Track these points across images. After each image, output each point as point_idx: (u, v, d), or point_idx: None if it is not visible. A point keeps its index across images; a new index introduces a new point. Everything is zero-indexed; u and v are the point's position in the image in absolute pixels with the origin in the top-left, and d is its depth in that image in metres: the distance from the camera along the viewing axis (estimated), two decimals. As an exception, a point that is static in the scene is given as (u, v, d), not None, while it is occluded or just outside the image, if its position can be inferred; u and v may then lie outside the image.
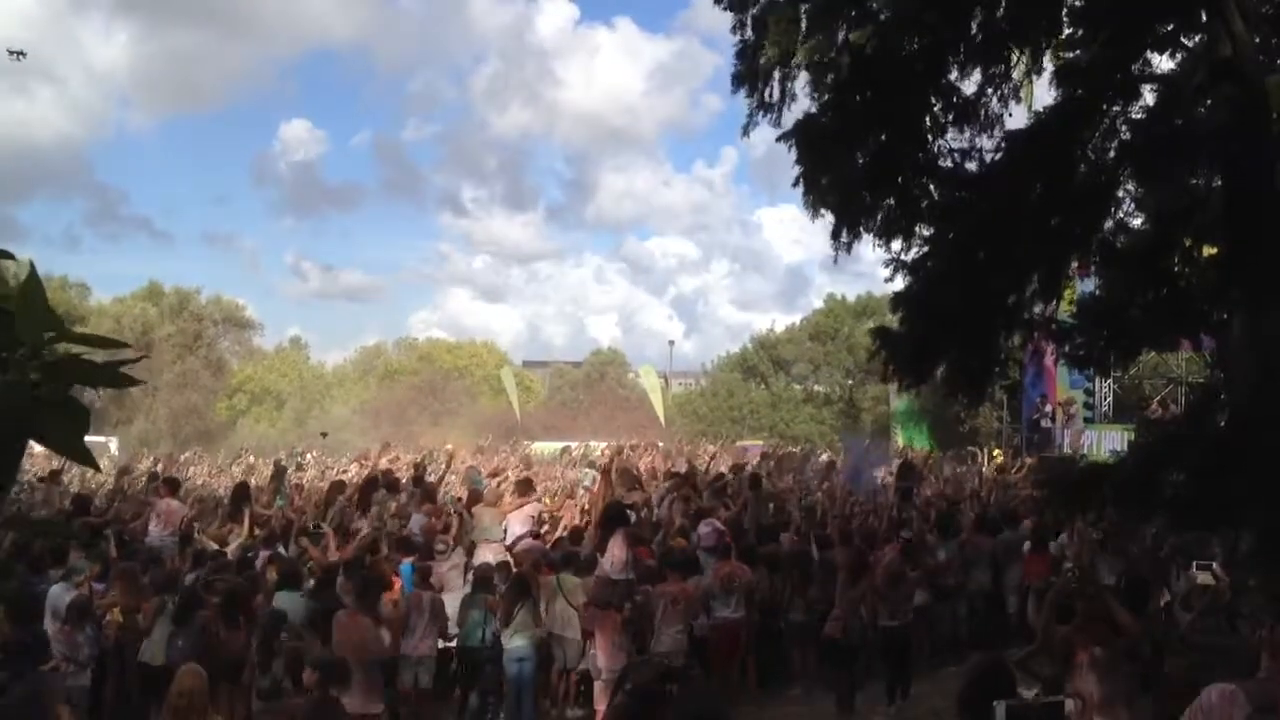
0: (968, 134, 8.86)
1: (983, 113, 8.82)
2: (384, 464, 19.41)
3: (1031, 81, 9.14)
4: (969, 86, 8.82)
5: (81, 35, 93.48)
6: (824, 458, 22.96)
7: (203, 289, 62.42)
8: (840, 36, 8.59)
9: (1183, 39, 8.45)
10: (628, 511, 12.59)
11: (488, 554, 12.51)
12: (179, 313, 59.44)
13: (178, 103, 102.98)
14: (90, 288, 60.34)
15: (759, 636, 12.05)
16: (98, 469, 2.26)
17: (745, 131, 9.26)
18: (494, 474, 16.44)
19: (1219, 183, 8.35)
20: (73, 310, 52.86)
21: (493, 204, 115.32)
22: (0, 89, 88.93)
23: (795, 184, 8.78)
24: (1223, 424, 8.41)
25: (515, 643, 10.13)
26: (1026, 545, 12.47)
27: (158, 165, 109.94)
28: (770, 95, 8.81)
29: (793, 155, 8.75)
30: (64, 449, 1.78)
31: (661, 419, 35.76)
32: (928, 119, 8.79)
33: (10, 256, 1.85)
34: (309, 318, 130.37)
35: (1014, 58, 8.68)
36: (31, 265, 1.77)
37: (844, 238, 8.87)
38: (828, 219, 8.92)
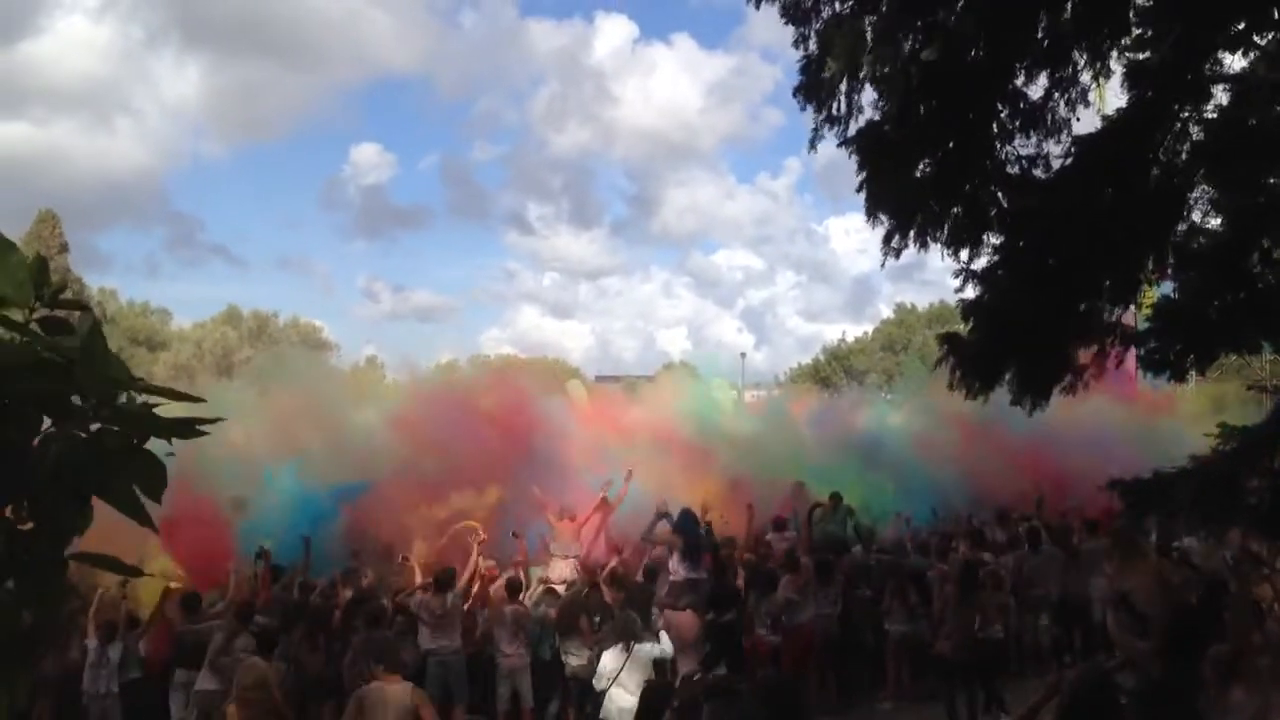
0: (1035, 140, 8.79)
1: (1050, 118, 8.74)
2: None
3: (1101, 85, 9.04)
4: (1035, 91, 8.75)
5: (155, 70, 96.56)
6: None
7: (280, 312, 63.81)
8: (906, 47, 8.59)
9: (1255, 37, 8.30)
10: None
11: (564, 569, 12.63)
12: (258, 336, 60.72)
13: (249, 132, 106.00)
14: (171, 313, 62.05)
15: (841, 650, 12.05)
16: (154, 529, 2.24)
17: (812, 145, 9.22)
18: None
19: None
20: (155, 335, 54.25)
21: (558, 221, 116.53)
22: (82, 122, 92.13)
23: (859, 190, 8.75)
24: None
25: None
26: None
27: (232, 193, 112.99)
28: (837, 109, 8.80)
29: (854, 163, 8.76)
30: (124, 507, 1.78)
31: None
32: (994, 125, 8.74)
33: (86, 308, 1.87)
34: (382, 338, 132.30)
35: (1081, 61, 8.60)
36: (94, 318, 1.79)
37: (895, 242, 8.82)
38: (886, 225, 8.90)
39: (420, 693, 7.89)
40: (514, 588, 11.19)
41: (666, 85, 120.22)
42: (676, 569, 11.33)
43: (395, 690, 7.46)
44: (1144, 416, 18.81)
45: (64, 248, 50.78)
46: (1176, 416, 18.95)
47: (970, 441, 16.96)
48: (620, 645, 8.75)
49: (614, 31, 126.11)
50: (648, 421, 18.31)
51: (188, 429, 1.86)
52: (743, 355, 60.48)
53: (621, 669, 8.58)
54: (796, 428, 19.96)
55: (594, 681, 9.00)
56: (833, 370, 53.46)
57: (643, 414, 19.16)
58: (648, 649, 8.74)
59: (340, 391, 19.10)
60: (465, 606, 10.94)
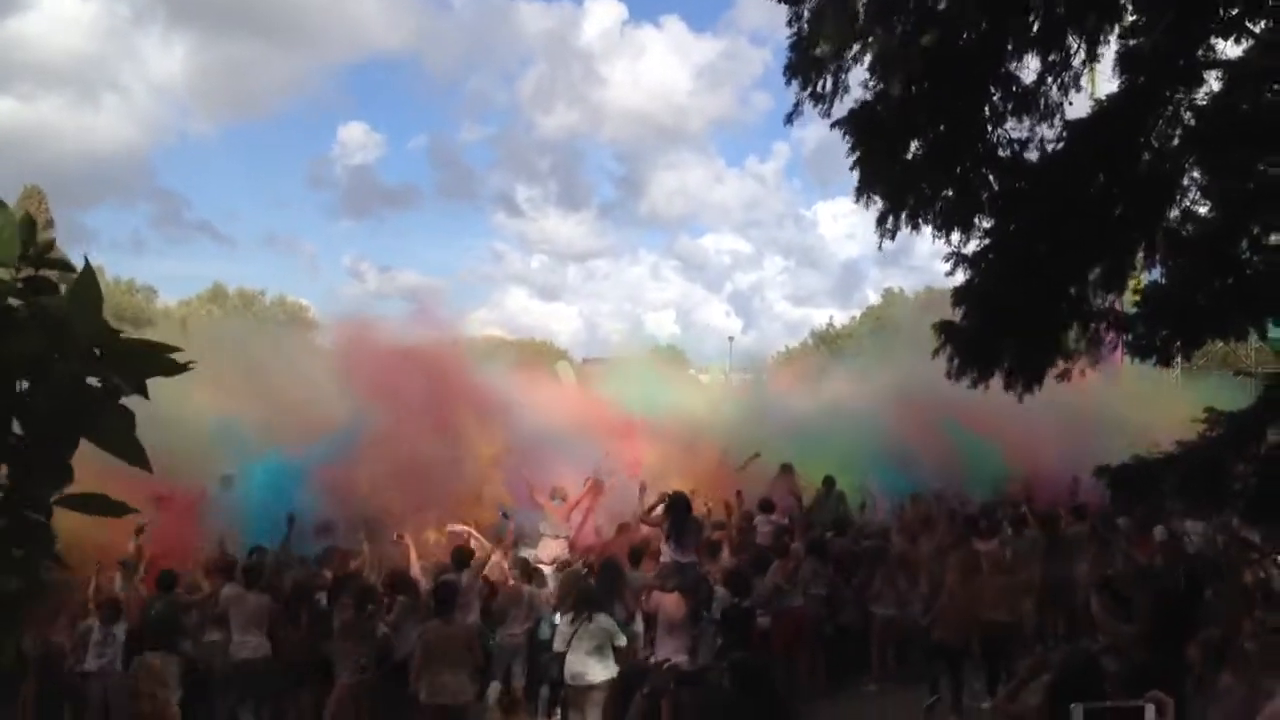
0: (1027, 123, 8.78)
1: (1043, 102, 8.73)
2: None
3: (1094, 70, 9.02)
4: (1028, 75, 8.74)
5: (142, 47, 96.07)
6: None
7: (266, 291, 63.56)
8: (898, 29, 8.56)
9: (1248, 23, 8.29)
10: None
11: (555, 548, 12.66)
12: (243, 314, 60.46)
13: (236, 110, 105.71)
14: (156, 290, 61.77)
15: (832, 633, 12.09)
16: (148, 468, 2.19)
17: (789, 120, 9.19)
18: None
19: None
20: (140, 313, 53.99)
21: (546, 203, 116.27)
22: (68, 99, 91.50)
23: (852, 168, 8.72)
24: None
25: None
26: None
27: (219, 171, 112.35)
28: (823, 87, 8.77)
29: (846, 145, 8.73)
30: (116, 448, 1.76)
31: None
32: (986, 108, 8.73)
33: (72, 268, 1.81)
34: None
35: (1073, 46, 8.58)
36: (86, 263, 1.74)
37: (889, 224, 8.81)
38: (879, 206, 8.88)
39: (472, 631, 9.48)
40: (526, 568, 11.27)
41: (655, 68, 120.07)
42: (665, 551, 11.31)
43: (452, 630, 8.94)
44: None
45: (49, 224, 50.50)
46: (1107, 398, 18.98)
47: (908, 410, 16.91)
48: (575, 611, 8.99)
49: (603, 13, 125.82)
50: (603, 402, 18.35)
51: (173, 366, 1.82)
52: (730, 339, 60.73)
53: (573, 634, 8.84)
54: (770, 406, 19.94)
55: (554, 645, 9.30)
56: (820, 354, 53.54)
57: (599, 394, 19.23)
58: (602, 619, 8.94)
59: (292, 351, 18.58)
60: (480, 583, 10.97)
